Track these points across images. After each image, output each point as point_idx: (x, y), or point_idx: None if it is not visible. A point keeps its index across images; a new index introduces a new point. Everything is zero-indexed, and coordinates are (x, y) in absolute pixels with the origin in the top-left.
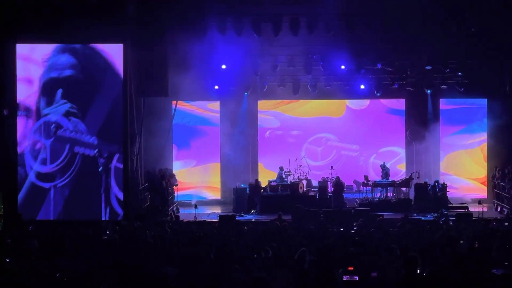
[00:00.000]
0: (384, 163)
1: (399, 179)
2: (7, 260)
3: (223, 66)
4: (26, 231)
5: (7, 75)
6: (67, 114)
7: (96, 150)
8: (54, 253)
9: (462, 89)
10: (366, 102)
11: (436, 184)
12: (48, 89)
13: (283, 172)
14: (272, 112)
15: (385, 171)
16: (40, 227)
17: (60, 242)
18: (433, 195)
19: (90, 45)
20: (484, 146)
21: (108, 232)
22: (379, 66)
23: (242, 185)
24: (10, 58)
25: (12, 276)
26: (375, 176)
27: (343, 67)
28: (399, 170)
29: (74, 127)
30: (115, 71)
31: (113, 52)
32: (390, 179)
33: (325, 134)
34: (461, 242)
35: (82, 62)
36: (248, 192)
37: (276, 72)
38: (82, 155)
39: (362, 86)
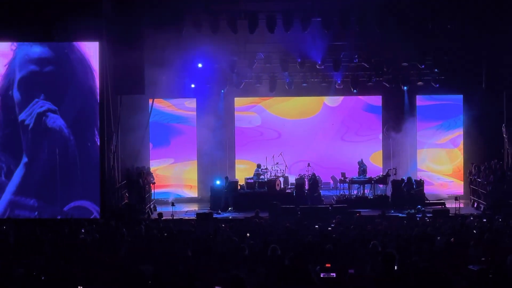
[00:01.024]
0: (361, 160)
1: (376, 176)
2: None
3: (200, 65)
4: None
5: None
6: (43, 114)
7: (73, 145)
8: (31, 252)
9: (438, 85)
10: (342, 99)
11: (413, 180)
12: (22, 88)
13: (260, 169)
14: (249, 109)
15: (362, 168)
16: (16, 225)
17: (37, 240)
18: (409, 191)
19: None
20: (461, 142)
21: (83, 231)
22: (355, 61)
23: (219, 183)
24: None
25: None
26: (352, 173)
27: (319, 64)
28: (376, 166)
29: (52, 123)
30: (91, 69)
31: (90, 50)
32: (367, 175)
33: (302, 131)
34: (438, 238)
35: (57, 60)
36: (225, 190)
37: (252, 70)
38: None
39: (339, 83)
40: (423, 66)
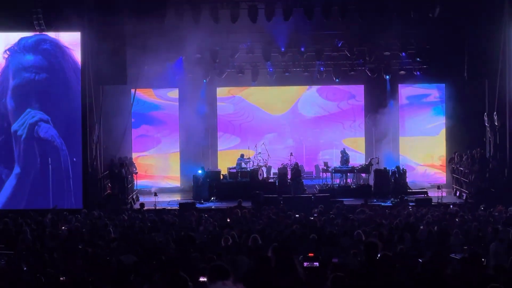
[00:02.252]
0: (344, 149)
1: (358, 165)
2: None
3: (182, 56)
4: None
5: None
6: (35, 124)
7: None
8: (14, 242)
9: (419, 73)
10: (325, 88)
11: (396, 169)
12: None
13: (242, 159)
14: (231, 98)
15: (345, 157)
16: None
17: (20, 231)
18: (392, 180)
19: (46, 34)
20: (443, 131)
21: (68, 221)
22: (339, 44)
23: (201, 172)
24: None
25: None
26: (335, 162)
27: (302, 53)
28: (359, 155)
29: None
30: (72, 60)
31: (70, 41)
32: (350, 165)
33: (284, 120)
34: (421, 227)
35: (50, 68)
36: (207, 179)
37: (234, 59)
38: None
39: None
40: (404, 55)
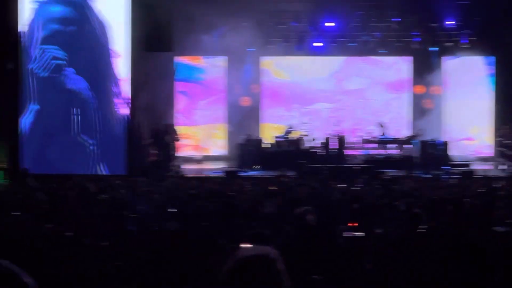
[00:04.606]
0: (381, 121)
1: (403, 136)
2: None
3: (228, 24)
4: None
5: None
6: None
7: (95, 103)
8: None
9: (467, 45)
10: (371, 59)
11: (440, 141)
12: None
13: (288, 128)
14: (276, 67)
15: (383, 128)
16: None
17: (64, 197)
18: (436, 152)
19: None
20: (491, 103)
21: (110, 188)
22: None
23: (246, 141)
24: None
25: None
26: (378, 133)
27: (348, 23)
28: (403, 127)
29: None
30: (118, 26)
31: (115, 7)
32: (393, 136)
33: (329, 90)
34: (464, 200)
35: (77, 19)
36: (252, 148)
37: (280, 29)
38: (81, 107)
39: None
40: (454, 27)
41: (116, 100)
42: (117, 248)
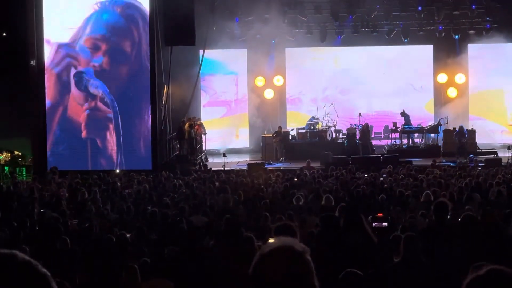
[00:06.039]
0: (403, 110)
1: (427, 125)
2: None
3: (251, 17)
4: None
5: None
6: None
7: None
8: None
9: (490, 32)
10: (393, 48)
11: (465, 129)
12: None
13: (312, 119)
14: (299, 58)
15: (406, 118)
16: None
17: (89, 192)
18: (461, 140)
19: None
20: None
21: (136, 181)
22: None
23: (270, 133)
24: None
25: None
26: (401, 122)
27: (370, 13)
28: (428, 116)
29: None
30: (142, 21)
31: (140, 2)
32: (419, 125)
33: (353, 81)
34: (491, 188)
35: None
36: (276, 139)
37: (303, 20)
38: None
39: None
40: (475, 14)
41: (139, 96)
42: (144, 242)
